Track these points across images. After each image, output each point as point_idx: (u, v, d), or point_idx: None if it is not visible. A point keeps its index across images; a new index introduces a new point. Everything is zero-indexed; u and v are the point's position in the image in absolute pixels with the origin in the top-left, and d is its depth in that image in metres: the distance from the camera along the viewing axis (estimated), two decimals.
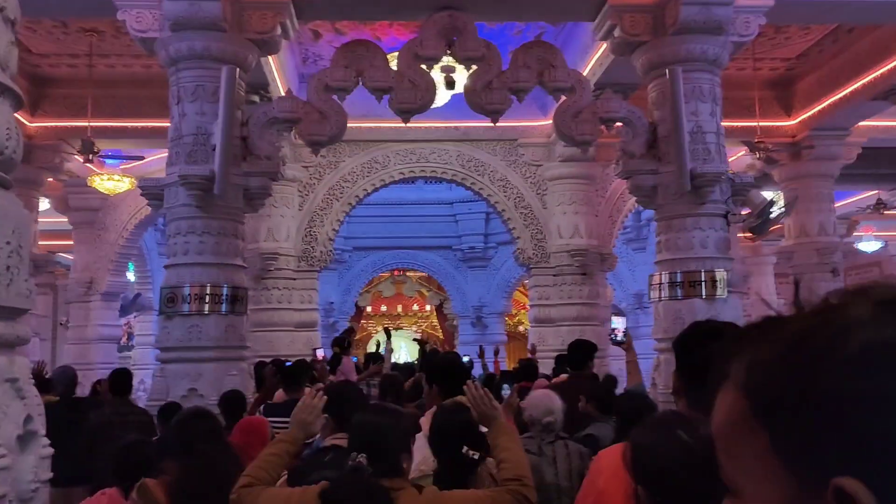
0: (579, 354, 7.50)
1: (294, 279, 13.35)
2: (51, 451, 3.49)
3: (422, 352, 10.91)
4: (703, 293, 8.68)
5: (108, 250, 15.88)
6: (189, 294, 8.33)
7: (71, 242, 16.53)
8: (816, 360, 0.69)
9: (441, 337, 26.72)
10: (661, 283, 8.93)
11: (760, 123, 12.00)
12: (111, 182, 13.84)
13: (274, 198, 13.10)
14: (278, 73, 11.61)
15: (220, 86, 8.28)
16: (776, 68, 13.05)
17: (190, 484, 3.30)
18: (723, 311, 8.57)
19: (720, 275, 8.69)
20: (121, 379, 7.54)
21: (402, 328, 28.14)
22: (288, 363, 7.82)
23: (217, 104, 8.35)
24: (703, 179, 8.56)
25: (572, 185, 13.49)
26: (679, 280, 8.76)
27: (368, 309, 26.67)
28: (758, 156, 11.56)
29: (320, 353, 10.96)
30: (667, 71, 8.55)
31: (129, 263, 17.55)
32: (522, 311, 26.97)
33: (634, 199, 14.67)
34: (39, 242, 17.07)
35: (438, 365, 4.67)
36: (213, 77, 8.43)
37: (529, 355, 15.42)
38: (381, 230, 21.93)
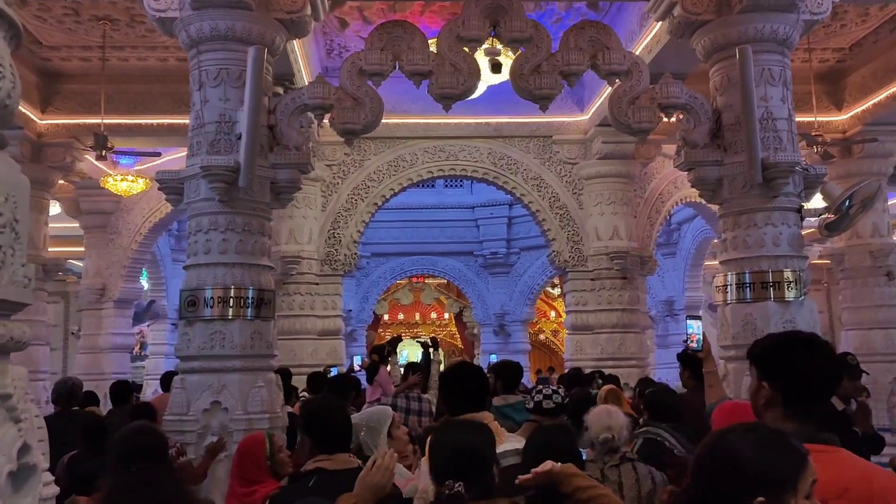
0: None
1: (317, 284, 12.51)
2: (55, 490, 2.64)
3: (425, 355, 9.93)
4: (776, 295, 7.80)
5: (120, 255, 15.07)
6: (211, 297, 7.48)
7: (83, 249, 15.72)
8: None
9: (460, 346, 25.85)
10: (727, 285, 8.05)
11: (816, 118, 11.16)
12: (125, 183, 13.04)
13: (296, 198, 12.25)
14: (304, 63, 10.80)
15: (245, 69, 7.44)
16: (826, 60, 12.19)
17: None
18: (798, 315, 7.71)
19: (794, 275, 7.82)
20: (119, 389, 6.81)
21: (420, 337, 27.30)
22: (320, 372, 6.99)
23: (242, 89, 7.51)
24: (775, 170, 7.70)
25: (610, 184, 12.63)
26: (748, 281, 7.88)
27: (386, 317, 25.83)
28: (816, 150, 10.69)
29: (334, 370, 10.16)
30: (736, 51, 7.69)
31: (143, 270, 16.73)
32: (543, 319, 26.12)
33: (674, 199, 13.92)
34: (50, 249, 16.38)
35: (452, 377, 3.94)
36: (238, 60, 7.60)
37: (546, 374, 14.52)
38: (399, 236, 21.16)
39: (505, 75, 10.49)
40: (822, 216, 8.76)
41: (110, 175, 13.12)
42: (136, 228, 14.90)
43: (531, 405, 4.86)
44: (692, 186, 8.34)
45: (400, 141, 12.83)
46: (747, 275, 7.90)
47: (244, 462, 4.35)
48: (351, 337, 20.47)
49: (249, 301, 7.56)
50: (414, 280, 24.60)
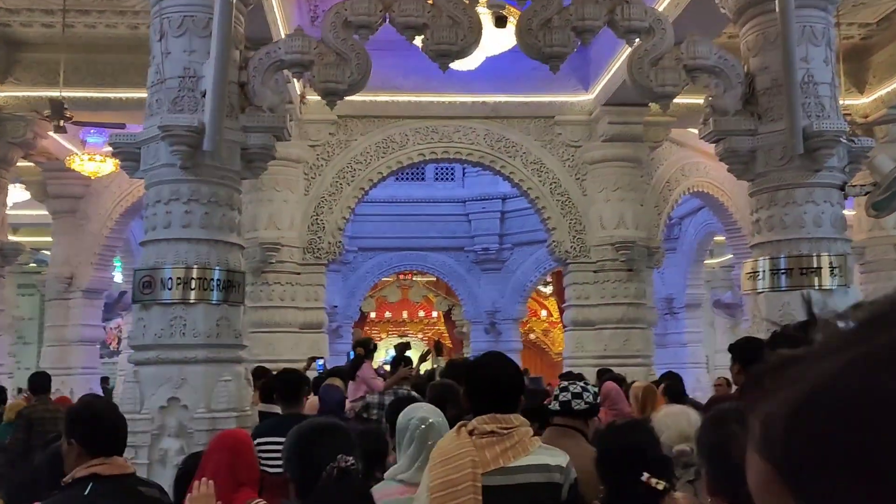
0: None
1: (298, 273, 11.38)
2: None
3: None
4: (818, 282, 6.76)
5: (90, 242, 13.88)
6: (171, 277, 6.38)
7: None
8: (838, 414, 0.53)
9: (449, 345, 24.74)
10: (759, 271, 7.01)
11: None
12: (92, 163, 11.88)
13: (276, 180, 11.20)
14: (283, 29, 9.69)
15: (213, 16, 6.34)
16: (849, 37, 11.15)
17: None
18: (842, 305, 6.63)
19: (839, 259, 6.78)
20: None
21: (407, 335, 26.16)
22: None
23: (209, 41, 6.43)
24: (819, 140, 6.68)
25: (616, 169, 11.55)
26: (784, 266, 6.84)
27: (372, 315, 24.68)
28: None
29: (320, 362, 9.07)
30: (776, 3, 6.66)
31: (116, 259, 15.54)
32: (534, 318, 25.03)
33: (682, 188, 12.87)
34: (24, 238, 15.23)
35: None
36: (205, 6, 6.53)
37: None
38: (388, 230, 20.01)
39: (510, 36, 9.43)
40: (867, 193, 7.74)
41: (77, 154, 11.96)
42: (107, 213, 13.73)
43: (556, 406, 3.78)
44: (721, 160, 7.30)
45: (389, 120, 11.73)
46: (782, 259, 6.86)
47: (238, 462, 3.37)
48: (336, 333, 19.30)
49: (215, 283, 6.47)
50: (402, 277, 23.49)
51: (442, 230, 20.27)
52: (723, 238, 16.97)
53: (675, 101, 11.62)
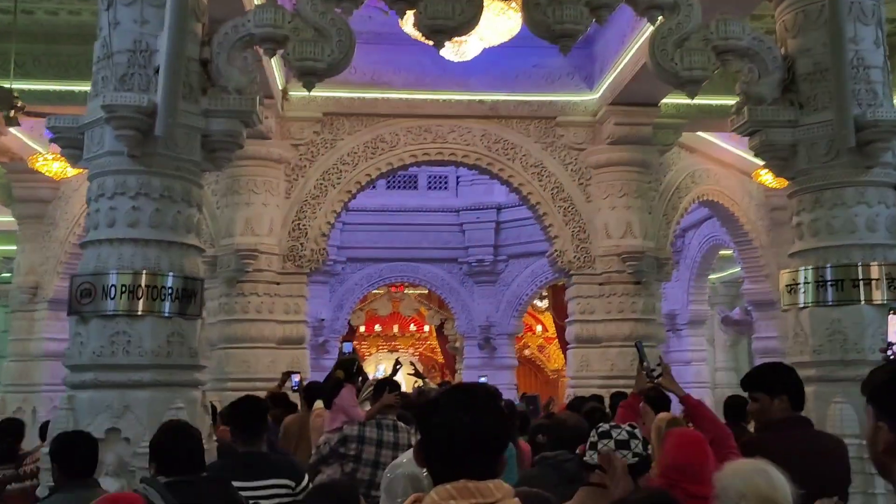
0: None
1: (278, 283, 10.32)
2: None
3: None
4: (868, 296, 5.75)
5: (56, 250, 12.78)
6: (114, 285, 5.33)
7: None
8: None
9: (441, 361, 23.68)
10: (801, 283, 5.99)
11: None
12: (58, 163, 10.81)
13: (254, 181, 10.19)
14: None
15: None
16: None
17: None
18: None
19: (895, 269, 5.78)
20: None
21: (398, 350, 25.07)
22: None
23: (165, 10, 5.41)
24: (873, 131, 5.70)
25: (623, 173, 10.56)
26: (830, 277, 5.83)
27: (362, 329, 23.60)
28: None
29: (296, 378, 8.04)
30: None
31: None
32: (529, 333, 23.98)
33: (692, 196, 11.85)
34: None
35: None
36: None
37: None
38: (378, 240, 19.00)
39: (511, 24, 8.47)
40: None
41: (40, 154, 10.91)
42: (74, 219, 12.62)
43: (593, 457, 2.75)
44: (756, 154, 6.29)
45: (379, 119, 10.71)
46: (829, 269, 5.84)
47: None
48: (323, 348, 18.26)
49: (168, 291, 5.43)
50: (393, 290, 22.44)
51: (434, 241, 19.26)
52: (726, 252, 16.02)
53: (685, 101, 10.79)
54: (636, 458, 2.75)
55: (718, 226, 14.73)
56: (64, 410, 5.26)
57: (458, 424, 1.78)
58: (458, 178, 19.52)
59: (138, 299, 5.32)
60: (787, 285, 6.12)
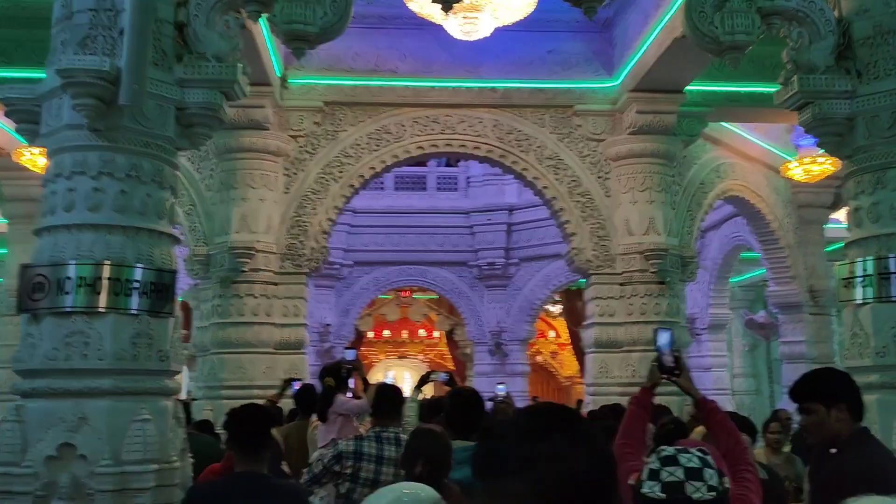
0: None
1: (276, 284, 9.56)
2: None
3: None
4: None
5: None
6: (70, 278, 4.57)
7: None
8: None
9: (451, 368, 22.88)
10: (860, 276, 5.19)
11: None
12: (44, 158, 10.08)
13: (251, 175, 9.45)
14: None
15: None
16: None
17: None
18: None
19: None
20: None
21: (407, 356, 24.32)
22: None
23: None
24: None
25: (645, 166, 9.76)
26: (895, 268, 5.03)
27: (370, 334, 22.84)
28: None
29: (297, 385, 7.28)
30: None
31: None
32: (541, 339, 23.17)
33: (717, 191, 11.02)
34: None
35: None
36: None
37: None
38: (385, 242, 18.26)
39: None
40: None
41: (26, 148, 10.21)
42: None
43: (656, 490, 1.95)
44: (807, 131, 5.48)
45: (384, 108, 9.94)
46: (893, 260, 5.03)
47: None
48: (329, 354, 17.46)
49: (135, 285, 4.65)
50: (402, 294, 21.68)
51: (444, 243, 18.50)
52: (745, 255, 15.19)
53: (712, 88, 10.00)
54: (713, 494, 1.97)
55: (740, 226, 13.92)
56: (11, 423, 4.50)
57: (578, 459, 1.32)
58: (468, 178, 18.79)
59: (98, 294, 4.56)
60: (843, 279, 5.31)
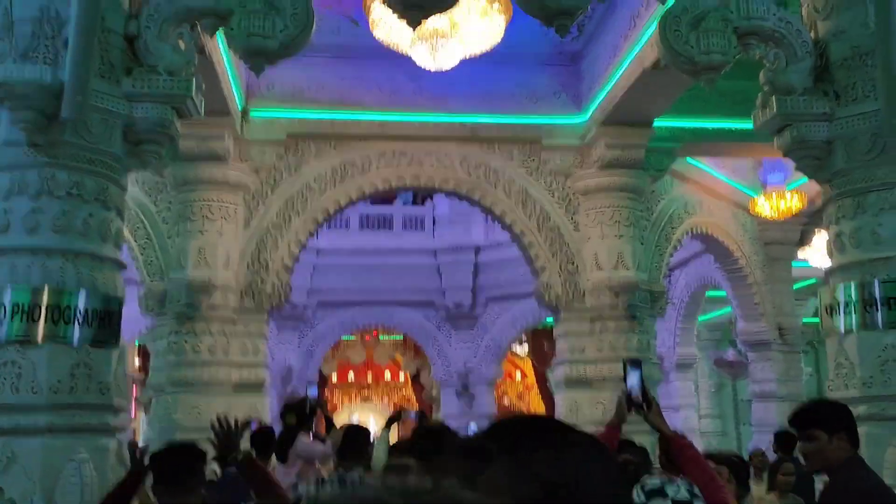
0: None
1: (234, 322, 9.14)
2: None
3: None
4: None
5: None
6: (6, 305, 4.18)
7: None
8: None
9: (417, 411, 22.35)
10: (843, 303, 4.97)
11: None
12: None
13: (209, 208, 9.08)
14: None
15: None
16: None
17: None
18: None
19: None
20: None
21: (370, 400, 23.74)
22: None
23: None
24: None
25: (614, 200, 9.57)
26: (879, 296, 4.81)
27: (334, 377, 22.29)
28: None
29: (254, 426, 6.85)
30: None
31: None
32: (508, 380, 22.81)
33: (685, 226, 10.87)
34: None
35: None
36: None
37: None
38: (350, 283, 17.81)
39: (495, 29, 7.53)
40: None
41: None
42: None
43: None
44: (784, 155, 5.28)
45: (349, 141, 9.67)
46: (878, 285, 4.82)
47: None
48: (291, 398, 16.91)
49: (75, 313, 4.27)
50: (367, 338, 21.23)
51: (410, 284, 18.13)
52: (711, 294, 15.07)
53: (680, 124, 9.89)
54: None
55: (707, 264, 13.79)
56: None
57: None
58: (434, 217, 18.53)
59: (36, 322, 4.18)
60: (826, 306, 5.08)
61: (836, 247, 5.12)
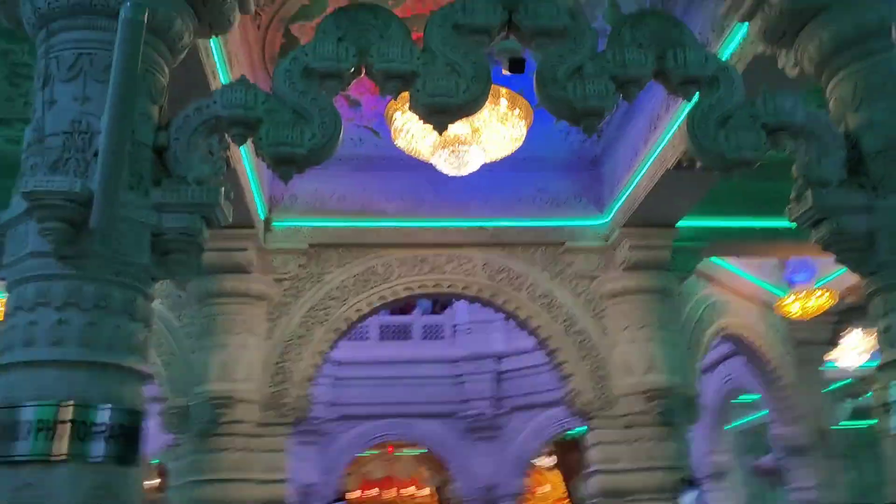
0: None
1: (257, 436, 8.90)
2: None
3: None
4: None
5: None
6: (30, 423, 4.01)
7: None
8: None
9: None
10: (891, 402, 4.73)
11: None
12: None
13: (232, 321, 9.00)
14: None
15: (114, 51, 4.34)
16: None
17: None
18: None
19: None
20: None
21: None
22: None
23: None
24: None
25: (642, 303, 9.43)
26: None
27: (355, 494, 21.62)
28: None
29: None
30: (893, 29, 4.81)
31: None
32: (533, 494, 22.01)
33: (714, 328, 10.64)
34: None
35: None
36: (106, 43, 4.55)
37: None
38: (371, 395, 17.55)
39: (516, 135, 7.57)
40: None
41: None
42: None
43: None
44: (824, 248, 5.14)
45: (370, 249, 9.65)
46: None
47: None
48: None
49: (99, 430, 4.09)
50: (390, 451, 20.71)
51: (431, 394, 17.82)
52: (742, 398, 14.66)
53: (705, 224, 9.80)
54: None
55: (735, 367, 13.47)
56: None
57: None
58: (454, 326, 18.35)
59: (56, 440, 3.99)
60: (881, 405, 4.83)
61: (885, 342, 4.90)
